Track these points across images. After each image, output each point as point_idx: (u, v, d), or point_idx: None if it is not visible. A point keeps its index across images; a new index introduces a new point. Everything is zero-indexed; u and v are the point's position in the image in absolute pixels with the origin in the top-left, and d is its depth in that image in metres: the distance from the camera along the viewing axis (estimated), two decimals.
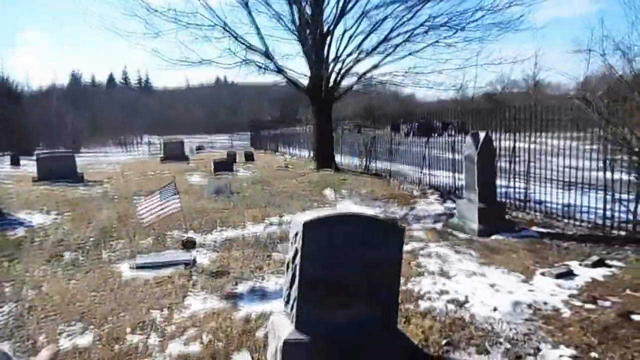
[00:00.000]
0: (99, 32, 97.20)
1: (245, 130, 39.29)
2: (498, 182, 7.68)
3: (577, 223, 7.00)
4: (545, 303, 4.15)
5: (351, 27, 13.45)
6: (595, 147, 6.93)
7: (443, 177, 10.09)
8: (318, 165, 14.45)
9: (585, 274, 4.89)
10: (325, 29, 13.69)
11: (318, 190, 10.70)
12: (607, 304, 4.12)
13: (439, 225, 7.40)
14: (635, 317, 3.81)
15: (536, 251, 5.82)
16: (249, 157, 19.40)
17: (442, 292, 4.46)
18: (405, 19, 12.73)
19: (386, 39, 13.13)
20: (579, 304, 4.14)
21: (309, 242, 2.79)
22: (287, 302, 3.02)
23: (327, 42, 13.77)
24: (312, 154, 16.49)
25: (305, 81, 14.40)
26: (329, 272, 2.85)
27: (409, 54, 13.45)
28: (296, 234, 2.88)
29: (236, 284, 4.81)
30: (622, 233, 6.38)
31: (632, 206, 6.42)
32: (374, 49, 13.38)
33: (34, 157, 14.98)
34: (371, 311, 2.96)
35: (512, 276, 4.90)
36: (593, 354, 3.26)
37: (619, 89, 7.13)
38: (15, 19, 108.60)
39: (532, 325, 3.73)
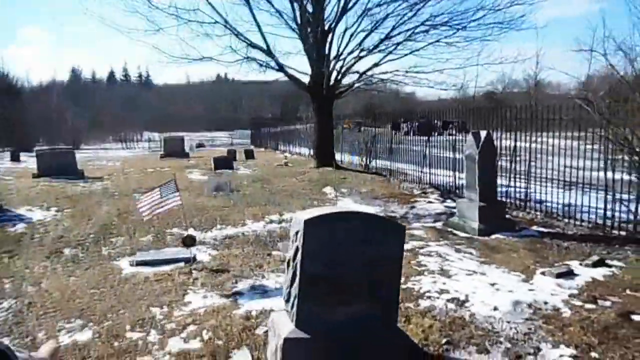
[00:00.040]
0: (99, 29, 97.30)
1: (245, 127, 39.35)
2: (499, 181, 7.67)
3: (578, 223, 7.00)
4: (546, 302, 4.15)
5: (352, 25, 13.46)
6: (596, 146, 6.92)
7: (443, 176, 10.09)
8: (318, 163, 14.43)
9: (585, 273, 4.89)
10: (326, 27, 13.68)
11: (318, 189, 10.69)
12: (608, 303, 4.12)
13: (439, 224, 7.40)
14: (636, 317, 3.81)
15: (536, 251, 5.82)
16: (249, 155, 19.40)
17: (442, 291, 4.45)
18: (406, 17, 12.74)
19: (387, 37, 13.12)
20: (579, 303, 4.13)
21: (309, 240, 2.78)
22: (287, 300, 3.01)
23: (328, 39, 13.76)
24: (312, 152, 16.49)
25: (306, 79, 14.39)
26: (329, 270, 2.84)
27: (410, 53, 13.47)
28: (297, 232, 2.87)
29: (236, 282, 4.81)
30: (623, 233, 6.38)
31: (632, 206, 6.42)
32: (375, 47, 13.38)
33: (34, 153, 14.97)
34: (371, 309, 2.96)
35: (512, 275, 4.90)
36: (593, 354, 3.25)
37: (620, 90, 7.13)
38: (16, 17, 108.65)
39: (532, 324, 3.73)
